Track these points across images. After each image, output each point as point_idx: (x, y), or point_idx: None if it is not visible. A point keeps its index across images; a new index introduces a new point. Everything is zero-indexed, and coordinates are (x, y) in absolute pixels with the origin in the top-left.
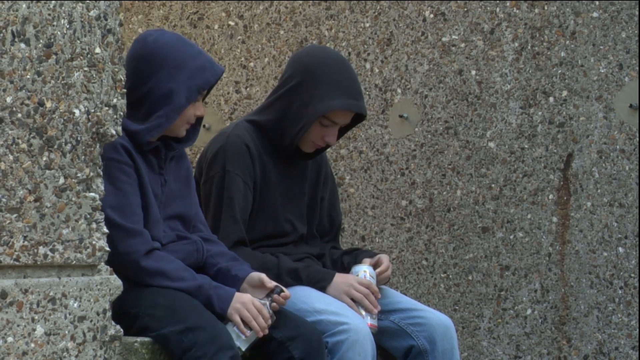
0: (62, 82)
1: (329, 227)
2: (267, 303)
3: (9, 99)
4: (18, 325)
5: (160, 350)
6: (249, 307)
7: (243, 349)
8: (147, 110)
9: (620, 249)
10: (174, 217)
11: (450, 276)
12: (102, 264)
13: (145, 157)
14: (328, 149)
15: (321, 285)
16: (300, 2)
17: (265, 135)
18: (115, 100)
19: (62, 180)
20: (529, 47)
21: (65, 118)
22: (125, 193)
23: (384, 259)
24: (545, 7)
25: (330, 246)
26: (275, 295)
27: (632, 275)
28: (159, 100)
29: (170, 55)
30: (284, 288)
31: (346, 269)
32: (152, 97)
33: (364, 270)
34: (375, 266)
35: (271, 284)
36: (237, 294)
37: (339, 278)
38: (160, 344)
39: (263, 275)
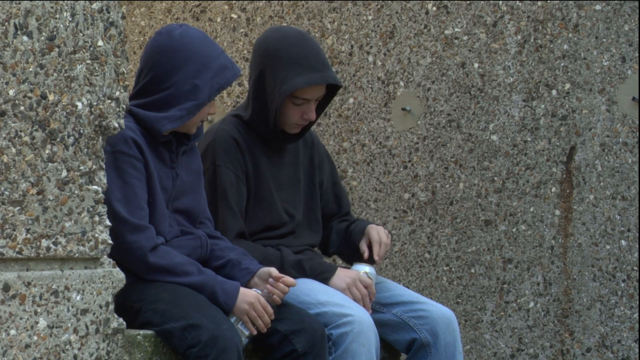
0: (65, 75)
1: (337, 208)
2: (269, 295)
3: (11, 92)
4: (21, 318)
5: (163, 344)
6: (257, 307)
7: (244, 344)
8: (168, 102)
9: (623, 242)
10: (182, 211)
11: (453, 269)
12: (105, 256)
13: (156, 150)
14: (329, 145)
15: (324, 277)
16: None
17: (252, 128)
18: (117, 93)
19: (64, 173)
20: (532, 40)
21: (67, 111)
22: (132, 187)
23: (373, 233)
24: (548, 0)
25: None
26: (269, 286)
27: (635, 268)
28: (182, 94)
29: (196, 52)
30: (288, 277)
31: (353, 237)
32: (176, 90)
33: (364, 271)
34: (370, 245)
35: (279, 276)
36: (242, 290)
37: (342, 272)
38: (163, 339)
39: (273, 269)
